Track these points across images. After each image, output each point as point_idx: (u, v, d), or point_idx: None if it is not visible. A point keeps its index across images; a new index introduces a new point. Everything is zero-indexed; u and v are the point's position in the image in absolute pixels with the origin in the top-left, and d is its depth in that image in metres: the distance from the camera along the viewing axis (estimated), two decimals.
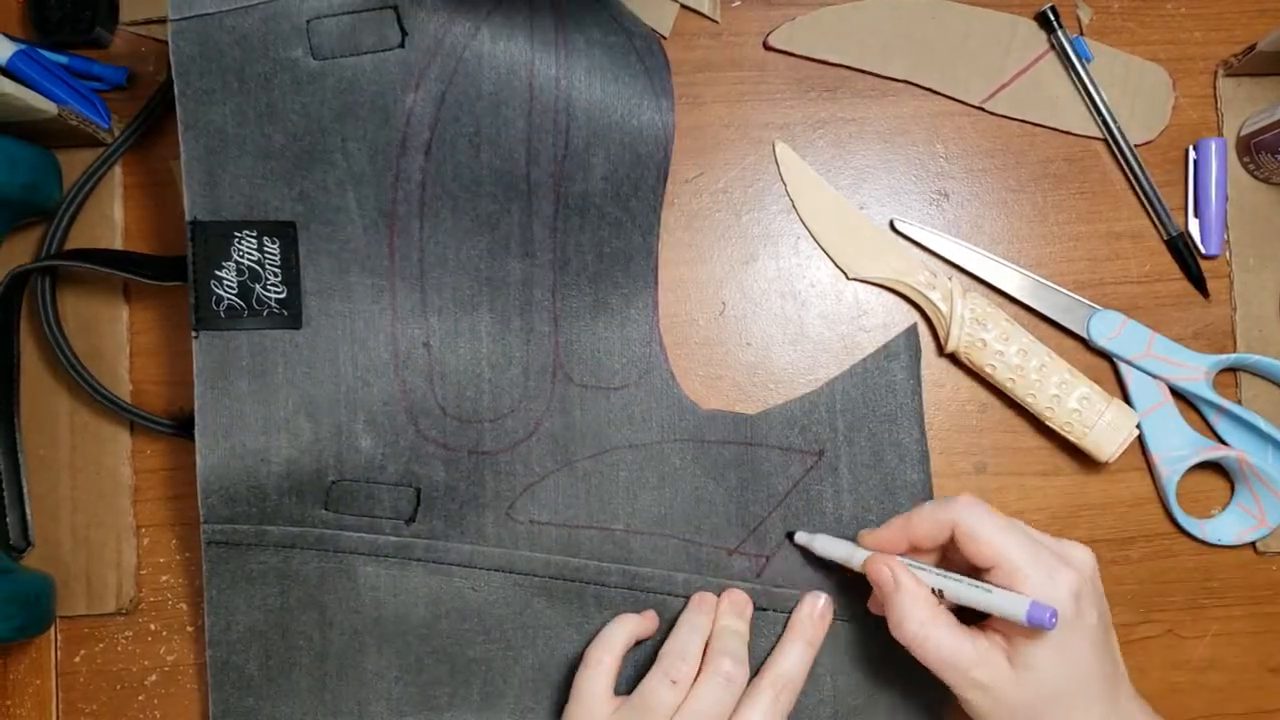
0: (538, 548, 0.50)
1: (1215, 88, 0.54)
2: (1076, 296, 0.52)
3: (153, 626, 0.51)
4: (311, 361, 0.47)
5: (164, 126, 0.53)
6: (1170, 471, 0.52)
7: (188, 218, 0.45)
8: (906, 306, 0.53)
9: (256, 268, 0.46)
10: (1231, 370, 0.53)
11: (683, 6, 0.53)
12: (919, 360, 0.51)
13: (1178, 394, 0.52)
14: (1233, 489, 0.53)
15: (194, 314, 0.46)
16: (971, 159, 0.54)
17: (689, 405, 0.51)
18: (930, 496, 0.51)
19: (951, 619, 0.42)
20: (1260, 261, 0.54)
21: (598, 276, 0.49)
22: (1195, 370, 0.51)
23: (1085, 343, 0.53)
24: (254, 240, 0.46)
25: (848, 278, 0.53)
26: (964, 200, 0.54)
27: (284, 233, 0.46)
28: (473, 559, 0.49)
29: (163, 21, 0.52)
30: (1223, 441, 0.52)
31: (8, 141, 0.48)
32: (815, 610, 0.48)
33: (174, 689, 0.51)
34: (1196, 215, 0.53)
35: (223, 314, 0.46)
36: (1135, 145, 0.54)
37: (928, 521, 0.43)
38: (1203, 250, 0.53)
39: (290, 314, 0.47)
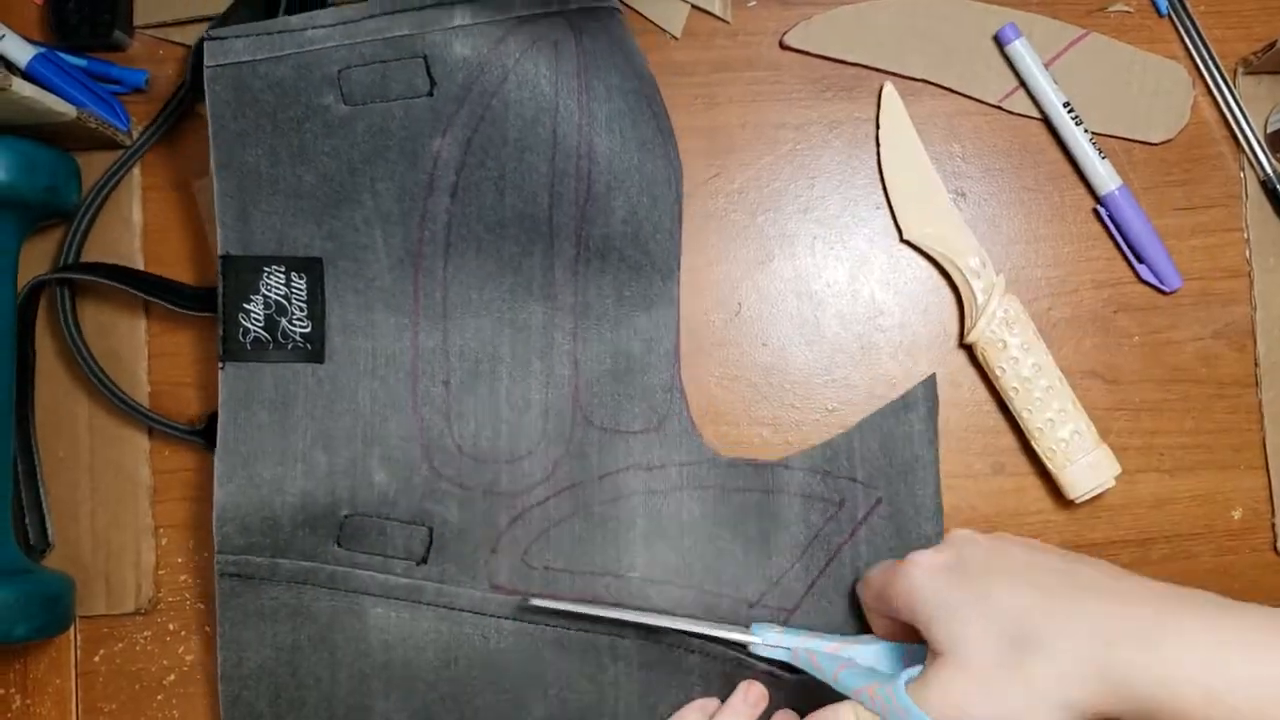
0: (552, 595, 0.49)
1: (1235, 85, 0.54)
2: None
3: (171, 626, 0.52)
4: (332, 396, 0.48)
5: (182, 129, 0.53)
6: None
7: (219, 252, 0.47)
8: (923, 306, 0.53)
9: (283, 302, 0.47)
10: None
11: (694, 7, 0.53)
12: (936, 411, 0.51)
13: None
14: None
15: (221, 345, 0.47)
16: (989, 158, 0.54)
17: (708, 452, 0.50)
18: None
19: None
20: None
21: (618, 321, 0.50)
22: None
23: None
24: (282, 275, 0.47)
25: (901, 238, 0.53)
26: (981, 199, 0.53)
27: (311, 268, 0.47)
28: (484, 605, 0.49)
29: (180, 24, 0.53)
30: None
31: (27, 144, 0.48)
32: (748, 697, 0.48)
33: (192, 688, 0.52)
34: (1142, 262, 0.52)
35: (249, 346, 0.47)
36: (1154, 143, 0.53)
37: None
38: (1164, 288, 0.52)
39: (314, 348, 0.47)
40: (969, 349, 0.52)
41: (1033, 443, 0.51)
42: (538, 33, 0.47)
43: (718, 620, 0.49)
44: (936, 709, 0.38)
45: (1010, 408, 0.51)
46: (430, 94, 0.47)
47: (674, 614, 0.49)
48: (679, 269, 0.50)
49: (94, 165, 0.52)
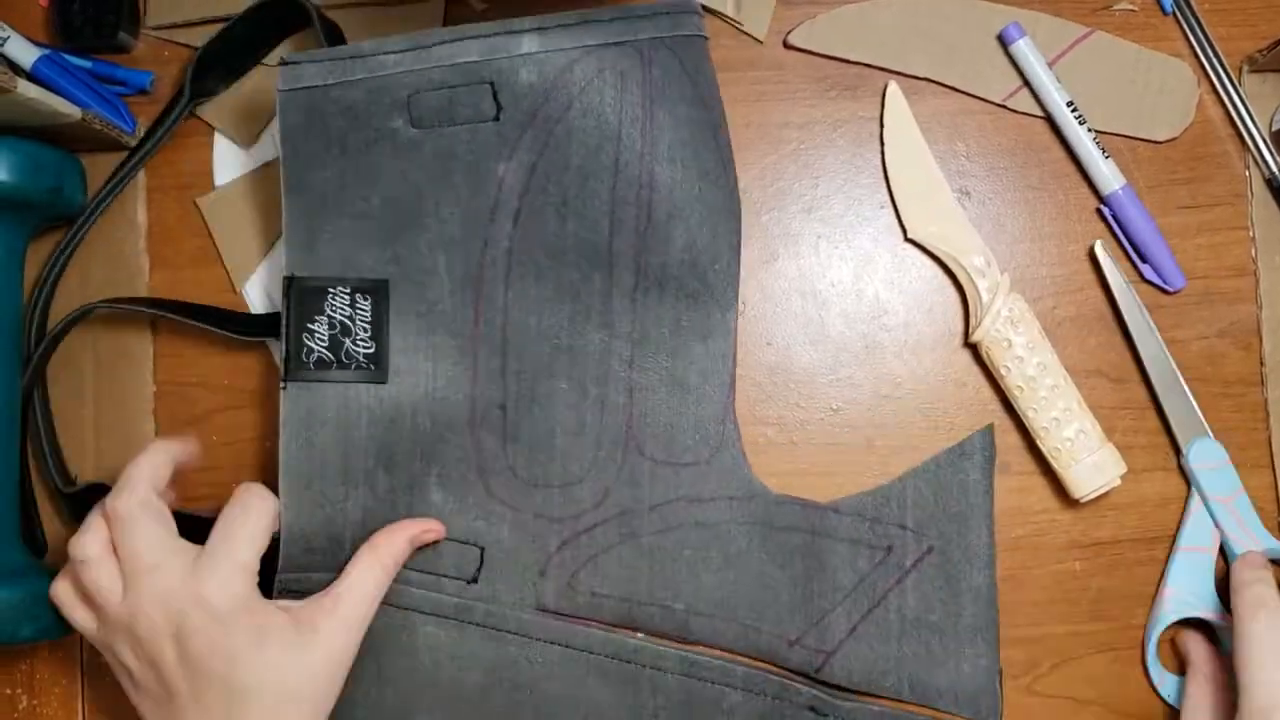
0: (597, 620, 0.49)
1: (1240, 83, 0.53)
2: (1197, 409, 0.52)
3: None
4: (393, 416, 0.48)
5: (187, 130, 0.53)
6: (1168, 611, 0.51)
7: (285, 274, 0.47)
8: (928, 305, 0.53)
9: (348, 323, 0.48)
10: (1277, 563, 0.51)
11: (706, 10, 0.53)
12: (993, 461, 0.51)
13: (1223, 550, 0.51)
14: (1214, 660, 0.51)
15: (284, 365, 0.47)
16: (993, 157, 0.54)
17: (759, 487, 0.50)
18: (994, 600, 0.50)
19: None
20: None
21: (675, 350, 0.50)
22: (1255, 544, 0.50)
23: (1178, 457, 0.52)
24: (347, 296, 0.48)
25: (905, 236, 0.53)
26: (986, 198, 0.53)
27: (377, 291, 0.48)
28: (530, 629, 0.49)
29: (187, 26, 0.53)
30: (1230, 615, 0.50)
31: (32, 145, 0.48)
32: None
33: None
34: (1146, 261, 0.52)
35: (311, 365, 0.47)
36: (1159, 142, 0.53)
37: None
38: (1167, 287, 0.52)
39: (377, 369, 0.48)
40: (973, 348, 0.52)
41: (1038, 442, 0.51)
42: (605, 62, 0.47)
43: (756, 655, 0.50)
44: None
45: (1015, 407, 0.51)
46: (496, 119, 0.47)
47: (715, 644, 0.50)
48: (738, 301, 0.50)
49: (99, 166, 0.52)
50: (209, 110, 0.53)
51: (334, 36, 0.51)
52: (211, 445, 0.52)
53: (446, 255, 0.48)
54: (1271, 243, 0.53)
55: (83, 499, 0.50)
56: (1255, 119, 0.53)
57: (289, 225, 0.48)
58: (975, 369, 0.53)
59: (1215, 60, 0.53)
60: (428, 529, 0.48)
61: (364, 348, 0.48)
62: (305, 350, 0.47)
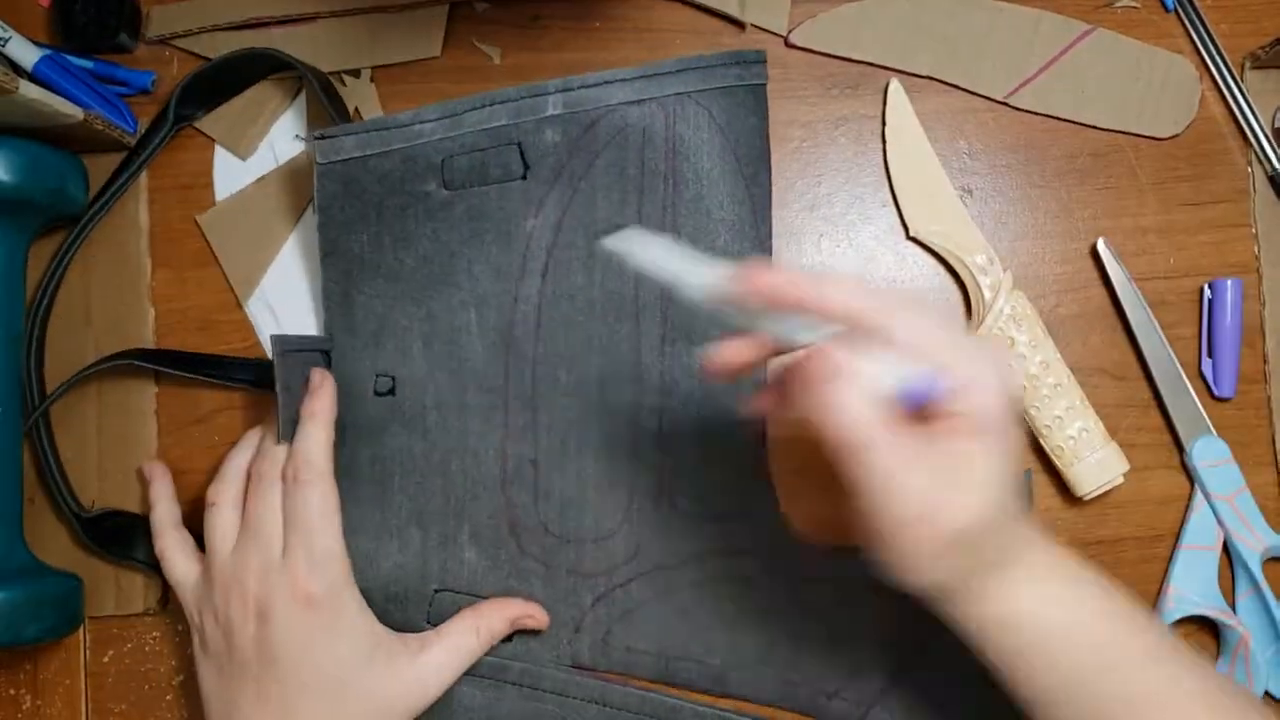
0: (633, 676, 0.50)
1: (1243, 80, 0.53)
2: (1200, 406, 0.52)
3: (180, 627, 0.52)
4: (426, 472, 0.49)
5: (189, 131, 0.53)
6: (1171, 609, 0.51)
7: (323, 333, 0.50)
8: (930, 303, 0.53)
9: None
10: (1278, 560, 0.52)
11: (706, 10, 0.53)
12: (1029, 505, 0.51)
13: (1227, 548, 0.51)
14: (1216, 658, 0.52)
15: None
16: (995, 155, 0.53)
17: (794, 540, 0.50)
18: None
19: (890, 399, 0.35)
20: None
21: (704, 402, 0.49)
22: (1258, 541, 0.50)
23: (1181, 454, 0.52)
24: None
25: (907, 234, 0.52)
26: (988, 196, 0.53)
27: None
28: (567, 688, 0.49)
29: (189, 35, 0.53)
30: (1236, 614, 0.51)
31: (34, 146, 0.48)
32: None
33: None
34: (1210, 355, 0.52)
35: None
36: (1161, 139, 0.53)
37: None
38: (1215, 391, 0.52)
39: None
40: None
41: (1040, 440, 0.51)
42: (628, 119, 0.49)
43: (795, 708, 0.49)
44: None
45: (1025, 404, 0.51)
46: (524, 178, 0.49)
47: (754, 700, 0.49)
48: None
49: (101, 167, 0.52)
50: (207, 123, 0.53)
51: (327, 87, 0.51)
52: (213, 446, 0.52)
53: (478, 312, 0.49)
54: (1274, 239, 0.53)
55: (98, 523, 0.50)
56: (1258, 115, 0.53)
57: (326, 288, 0.50)
58: None
59: (1217, 57, 0.53)
60: (530, 615, 0.48)
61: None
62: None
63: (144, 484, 0.50)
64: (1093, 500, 0.51)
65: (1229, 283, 0.51)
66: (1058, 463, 0.50)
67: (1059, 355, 0.51)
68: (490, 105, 0.49)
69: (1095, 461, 0.50)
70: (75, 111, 0.48)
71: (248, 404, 0.53)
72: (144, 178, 0.53)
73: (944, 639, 0.45)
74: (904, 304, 0.35)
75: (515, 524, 0.49)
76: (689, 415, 0.49)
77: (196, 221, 0.53)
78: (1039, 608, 0.38)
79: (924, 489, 0.34)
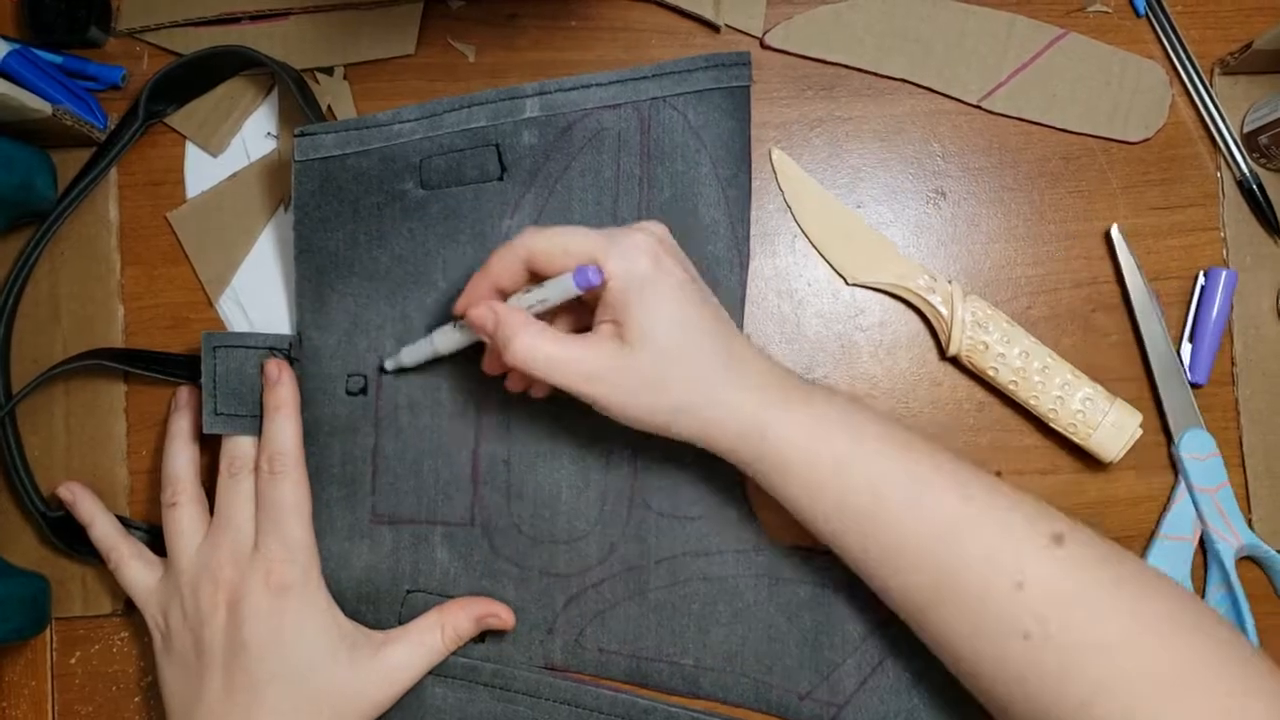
0: (606, 678, 0.49)
1: (1212, 86, 0.54)
2: (1193, 399, 0.52)
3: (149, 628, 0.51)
4: (398, 472, 0.49)
5: (159, 127, 0.53)
6: None
7: (294, 330, 0.50)
8: (903, 305, 0.53)
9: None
10: (1252, 559, 0.52)
11: (681, 12, 0.53)
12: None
13: (1203, 543, 0.52)
14: None
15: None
16: (968, 157, 0.54)
17: (766, 540, 0.50)
18: None
19: (557, 331, 0.42)
20: (1257, 260, 0.54)
21: None
22: (1233, 539, 0.51)
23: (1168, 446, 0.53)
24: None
25: (847, 283, 0.53)
26: (961, 199, 0.54)
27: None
28: (539, 689, 0.49)
29: (160, 29, 0.52)
30: None
31: (2, 141, 0.48)
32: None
33: None
34: (1191, 340, 0.52)
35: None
36: (1132, 143, 0.54)
37: (503, 260, 0.43)
38: (1190, 377, 0.52)
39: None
40: (955, 361, 0.52)
41: (1051, 424, 0.51)
42: (604, 123, 0.49)
43: (767, 709, 0.49)
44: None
45: (1017, 400, 0.51)
46: (501, 179, 0.49)
47: (725, 700, 0.49)
48: None
49: (70, 162, 0.52)
50: (178, 119, 0.53)
51: (300, 84, 0.51)
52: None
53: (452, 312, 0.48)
54: (1242, 243, 0.54)
55: (65, 522, 0.50)
56: (1227, 121, 0.54)
57: (299, 285, 0.49)
58: (951, 368, 0.53)
59: (1187, 62, 0.54)
60: (496, 614, 0.48)
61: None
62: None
63: (69, 507, 0.49)
64: (1063, 502, 0.51)
65: (1223, 273, 0.52)
66: (1075, 439, 0.50)
67: (1033, 339, 0.51)
68: (469, 107, 0.49)
69: (1111, 425, 0.50)
70: (44, 106, 0.47)
71: None
72: (114, 174, 0.53)
73: (916, 640, 0.45)
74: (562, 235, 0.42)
75: (488, 524, 0.49)
76: None
77: (167, 218, 0.52)
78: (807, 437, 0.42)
79: (636, 371, 0.41)
